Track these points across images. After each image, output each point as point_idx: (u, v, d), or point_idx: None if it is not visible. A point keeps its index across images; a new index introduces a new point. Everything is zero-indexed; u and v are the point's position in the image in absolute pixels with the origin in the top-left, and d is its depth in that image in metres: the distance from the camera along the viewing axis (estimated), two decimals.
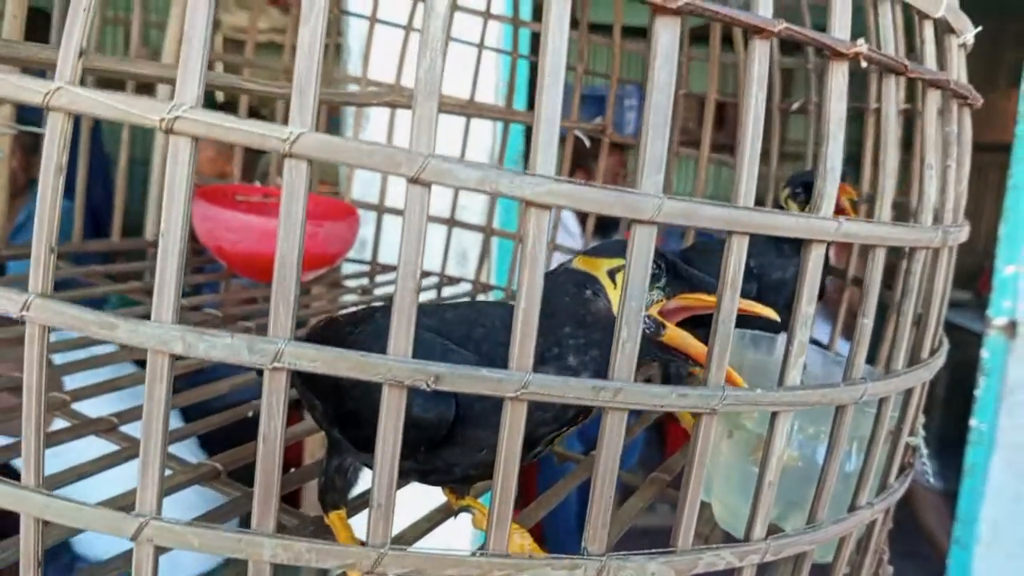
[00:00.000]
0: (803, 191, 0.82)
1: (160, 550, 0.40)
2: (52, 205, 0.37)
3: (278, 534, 0.38)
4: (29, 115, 1.11)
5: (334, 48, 1.33)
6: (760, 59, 0.41)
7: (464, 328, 0.50)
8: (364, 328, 0.52)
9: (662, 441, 2.80)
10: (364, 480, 0.56)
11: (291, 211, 0.36)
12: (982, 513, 1.44)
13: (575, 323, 0.48)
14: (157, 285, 0.36)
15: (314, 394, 0.54)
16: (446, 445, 0.48)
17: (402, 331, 0.38)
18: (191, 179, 0.36)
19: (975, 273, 2.90)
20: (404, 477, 0.53)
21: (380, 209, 1.35)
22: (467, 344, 0.49)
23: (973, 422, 1.42)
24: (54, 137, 0.37)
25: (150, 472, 0.38)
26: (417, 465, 0.50)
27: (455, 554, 0.40)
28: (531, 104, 1.54)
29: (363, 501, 0.62)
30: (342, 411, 0.50)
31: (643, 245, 0.40)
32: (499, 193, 0.37)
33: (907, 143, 0.82)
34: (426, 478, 0.53)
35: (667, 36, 0.39)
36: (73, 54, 0.37)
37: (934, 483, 2.13)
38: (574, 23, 1.29)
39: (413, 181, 0.36)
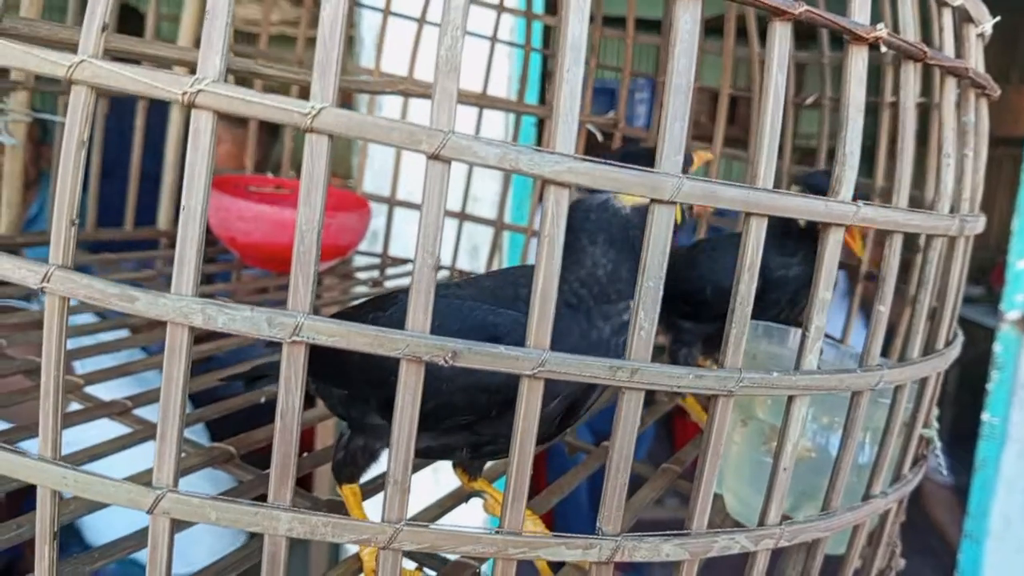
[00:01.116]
0: (807, 191, 0.82)
1: (176, 524, 0.40)
2: (74, 179, 0.37)
3: (295, 508, 0.39)
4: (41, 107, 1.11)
5: (347, 40, 1.33)
6: (780, 41, 0.41)
7: (510, 291, 0.51)
8: (392, 309, 0.53)
9: (671, 437, 2.80)
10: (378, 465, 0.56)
11: (311, 188, 0.36)
12: (993, 507, 1.43)
13: (607, 236, 0.50)
14: (178, 257, 0.36)
15: (347, 381, 0.54)
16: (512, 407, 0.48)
17: (420, 307, 0.38)
18: (213, 153, 0.36)
19: (987, 268, 2.90)
20: (455, 453, 0.53)
21: (391, 202, 1.35)
22: (516, 304, 0.49)
23: (985, 416, 1.41)
24: (76, 110, 0.37)
25: (168, 445, 0.38)
26: (474, 437, 0.50)
27: (471, 531, 0.40)
28: (543, 98, 1.54)
29: (375, 486, 0.62)
30: (384, 393, 0.50)
31: (661, 226, 0.40)
32: (519, 170, 0.37)
33: (922, 137, 0.81)
34: (479, 451, 0.52)
35: (687, 18, 0.39)
36: (96, 28, 0.37)
37: (947, 476, 2.13)
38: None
39: (433, 157, 0.36)
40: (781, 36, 0.41)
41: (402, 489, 0.39)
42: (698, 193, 0.39)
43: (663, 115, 0.39)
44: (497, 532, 0.41)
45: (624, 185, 0.39)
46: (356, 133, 0.36)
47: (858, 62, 0.44)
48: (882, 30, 0.44)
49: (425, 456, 0.55)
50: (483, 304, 0.49)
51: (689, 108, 0.39)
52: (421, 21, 1.30)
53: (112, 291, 0.37)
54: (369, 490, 0.61)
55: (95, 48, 0.37)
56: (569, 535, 0.42)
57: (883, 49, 0.45)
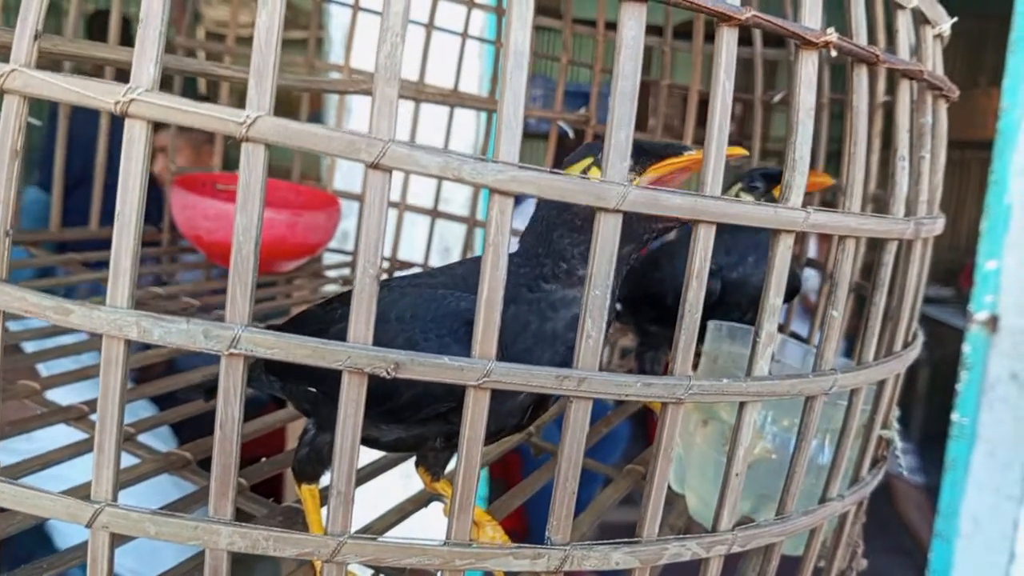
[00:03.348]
0: (762, 182, 0.81)
1: (118, 538, 0.39)
2: (6, 190, 0.37)
3: (236, 522, 0.38)
4: None
5: (315, 41, 1.32)
6: (728, 47, 0.41)
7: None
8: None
9: (647, 437, 2.80)
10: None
11: (248, 197, 0.36)
12: (963, 507, 1.44)
13: (569, 230, 0.48)
14: (112, 270, 0.36)
15: (317, 378, 0.52)
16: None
17: (362, 318, 0.37)
18: (146, 163, 0.36)
19: (957, 269, 2.92)
20: (428, 443, 0.52)
21: (362, 199, 1.34)
22: None
23: (955, 416, 1.42)
24: (8, 120, 0.36)
25: (105, 459, 0.38)
26: (448, 427, 0.50)
27: (417, 543, 0.40)
28: None
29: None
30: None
31: (608, 235, 0.39)
32: (461, 180, 0.37)
33: (888, 138, 0.81)
34: (452, 440, 0.52)
35: (633, 24, 0.39)
36: (28, 36, 0.36)
37: (908, 476, 2.14)
38: (558, 15, 1.28)
39: (373, 167, 0.36)
40: (728, 41, 0.41)
41: (346, 500, 0.39)
42: (643, 201, 0.39)
43: (608, 122, 0.39)
44: (444, 543, 0.40)
45: (570, 194, 0.38)
46: (294, 142, 0.35)
47: (808, 66, 0.44)
48: (832, 34, 0.44)
49: (395, 449, 0.54)
50: (455, 292, 0.49)
51: (634, 115, 0.39)
52: None
53: (47, 303, 0.36)
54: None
55: (27, 57, 0.36)
56: (517, 545, 0.42)
57: (833, 53, 0.45)
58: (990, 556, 1.47)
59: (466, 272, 0.53)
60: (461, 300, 0.48)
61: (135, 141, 0.35)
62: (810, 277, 1.13)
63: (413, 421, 0.50)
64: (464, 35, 1.31)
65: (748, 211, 0.42)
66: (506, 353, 0.46)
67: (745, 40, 1.13)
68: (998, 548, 1.47)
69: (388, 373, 0.37)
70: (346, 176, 1.42)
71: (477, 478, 0.40)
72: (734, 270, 0.80)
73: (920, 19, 0.56)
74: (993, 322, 1.38)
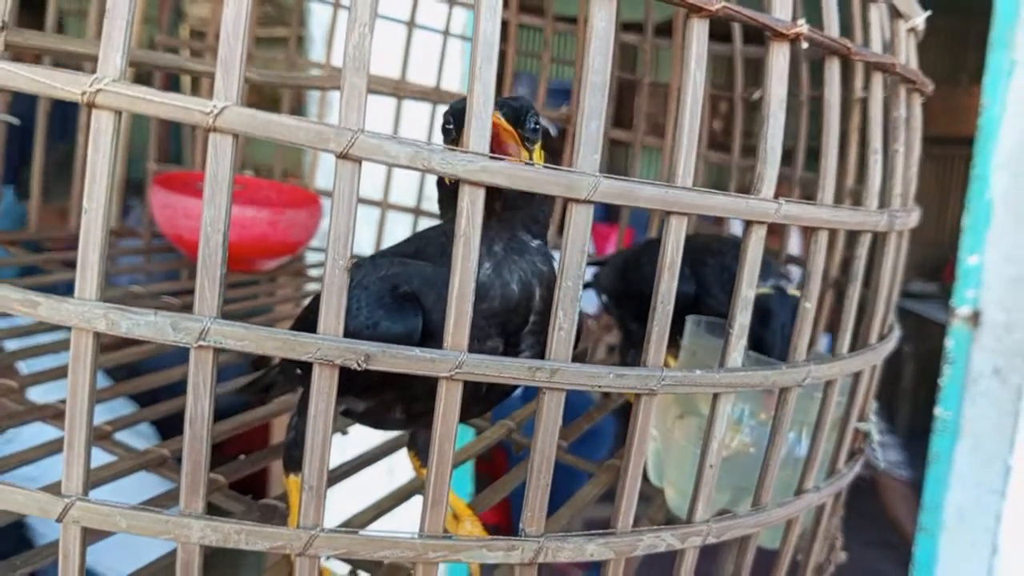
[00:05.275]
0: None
1: (90, 534, 0.39)
2: None
3: (208, 515, 0.38)
4: None
5: (296, 39, 1.32)
6: (699, 38, 0.41)
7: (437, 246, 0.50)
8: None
9: None
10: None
11: (216, 189, 0.36)
12: (947, 500, 1.45)
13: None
14: (80, 261, 0.35)
15: None
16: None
17: (332, 310, 0.37)
18: (114, 154, 0.35)
19: (940, 265, 2.94)
20: (392, 414, 0.52)
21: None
22: (443, 260, 0.48)
23: (938, 411, 1.43)
24: None
25: (76, 454, 0.37)
26: (402, 394, 0.50)
27: (390, 535, 0.40)
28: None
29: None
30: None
31: (579, 226, 0.39)
32: (431, 170, 0.37)
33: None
34: (412, 408, 0.51)
35: (603, 16, 0.39)
36: None
37: (894, 471, 2.15)
38: (540, 12, 1.28)
39: (342, 157, 0.36)
40: (699, 33, 0.41)
41: (317, 494, 0.39)
42: (615, 192, 0.39)
43: (579, 113, 0.39)
44: (418, 536, 0.40)
45: (539, 184, 0.38)
46: (261, 132, 0.35)
47: (779, 59, 0.44)
48: (803, 26, 0.44)
49: (370, 419, 0.55)
50: (396, 258, 0.50)
51: (605, 108, 0.39)
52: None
53: (14, 296, 0.36)
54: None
55: None
56: (491, 537, 0.42)
57: (804, 45, 0.45)
58: (973, 550, 1.47)
59: (435, 236, 0.52)
60: (393, 266, 0.48)
61: (102, 133, 0.35)
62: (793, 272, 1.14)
63: (364, 388, 0.49)
64: (445, 33, 1.31)
65: (719, 202, 0.43)
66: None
67: (726, 37, 1.13)
68: (981, 542, 1.47)
69: (359, 365, 0.37)
70: (328, 174, 1.42)
71: (450, 470, 0.40)
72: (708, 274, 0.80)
73: (893, 13, 0.57)
74: (975, 317, 1.39)
